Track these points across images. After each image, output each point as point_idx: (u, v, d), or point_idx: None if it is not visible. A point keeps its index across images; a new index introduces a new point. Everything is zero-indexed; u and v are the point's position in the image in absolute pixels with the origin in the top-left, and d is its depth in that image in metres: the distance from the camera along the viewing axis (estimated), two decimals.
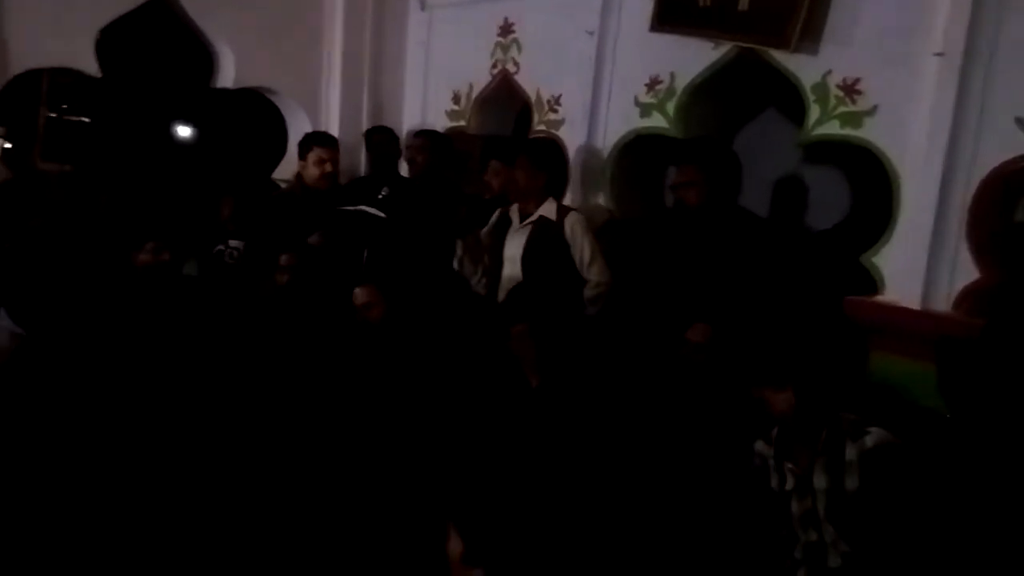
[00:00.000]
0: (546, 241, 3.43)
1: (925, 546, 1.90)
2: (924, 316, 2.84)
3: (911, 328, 2.84)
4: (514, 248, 3.52)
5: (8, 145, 3.44)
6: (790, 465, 2.14)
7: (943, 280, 2.87)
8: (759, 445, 2.25)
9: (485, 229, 3.71)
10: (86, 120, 4.07)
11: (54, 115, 3.72)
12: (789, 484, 2.15)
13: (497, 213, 3.66)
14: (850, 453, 2.00)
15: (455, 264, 3.78)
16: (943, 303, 2.87)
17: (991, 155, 2.74)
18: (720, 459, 2.55)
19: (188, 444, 2.82)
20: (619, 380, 2.81)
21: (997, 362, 2.48)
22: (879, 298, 3.00)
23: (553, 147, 3.97)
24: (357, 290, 3.16)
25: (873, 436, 1.98)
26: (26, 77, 3.91)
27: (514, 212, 3.58)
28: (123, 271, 3.18)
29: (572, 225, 3.41)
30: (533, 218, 3.48)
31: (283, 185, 4.45)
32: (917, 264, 2.89)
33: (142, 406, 2.93)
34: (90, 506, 2.54)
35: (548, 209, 3.48)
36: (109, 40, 4.09)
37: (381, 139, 4.47)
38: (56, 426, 2.76)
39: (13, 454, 2.65)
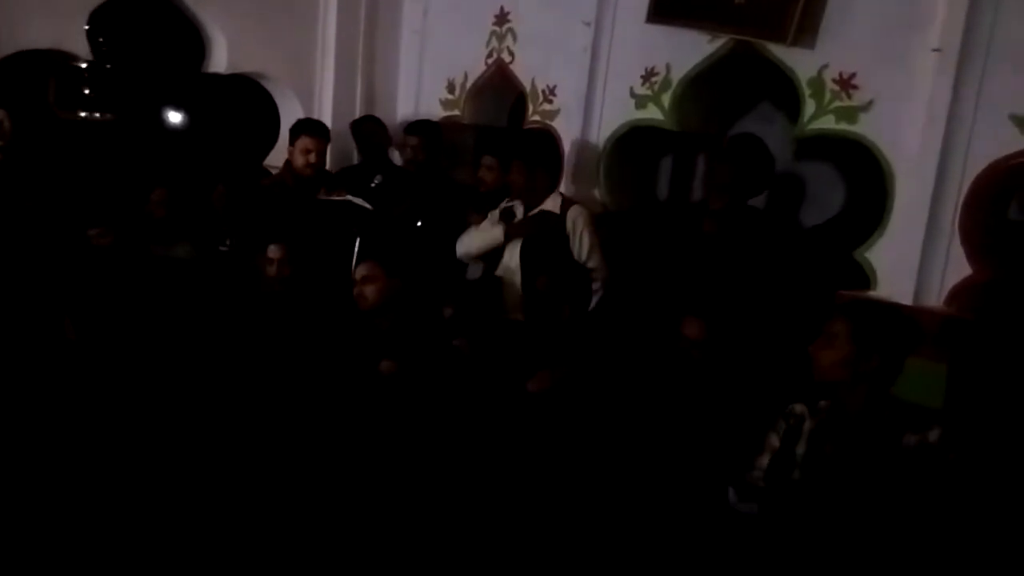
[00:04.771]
0: (546, 234, 3.42)
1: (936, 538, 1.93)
2: (916, 312, 2.85)
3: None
4: (515, 240, 3.50)
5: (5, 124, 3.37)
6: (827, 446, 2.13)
7: (935, 276, 2.88)
8: (798, 407, 2.22)
9: (486, 221, 3.68)
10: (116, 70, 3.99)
11: (84, 65, 3.66)
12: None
13: (502, 205, 3.64)
14: (910, 440, 2.00)
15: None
16: (935, 299, 2.88)
17: (985, 152, 2.76)
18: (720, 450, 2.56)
19: (182, 437, 2.81)
20: (617, 371, 2.82)
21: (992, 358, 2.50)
22: (871, 293, 3.01)
23: (546, 142, 3.95)
24: (359, 266, 3.13)
25: (937, 432, 1.99)
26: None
27: (518, 206, 3.56)
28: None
29: (574, 218, 3.41)
30: (535, 212, 3.47)
31: (274, 172, 4.42)
32: (910, 260, 2.91)
33: (130, 398, 2.92)
34: (84, 503, 2.52)
35: (552, 203, 3.47)
36: (100, 23, 4.05)
37: (369, 129, 4.44)
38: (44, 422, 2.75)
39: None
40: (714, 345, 2.82)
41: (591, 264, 3.41)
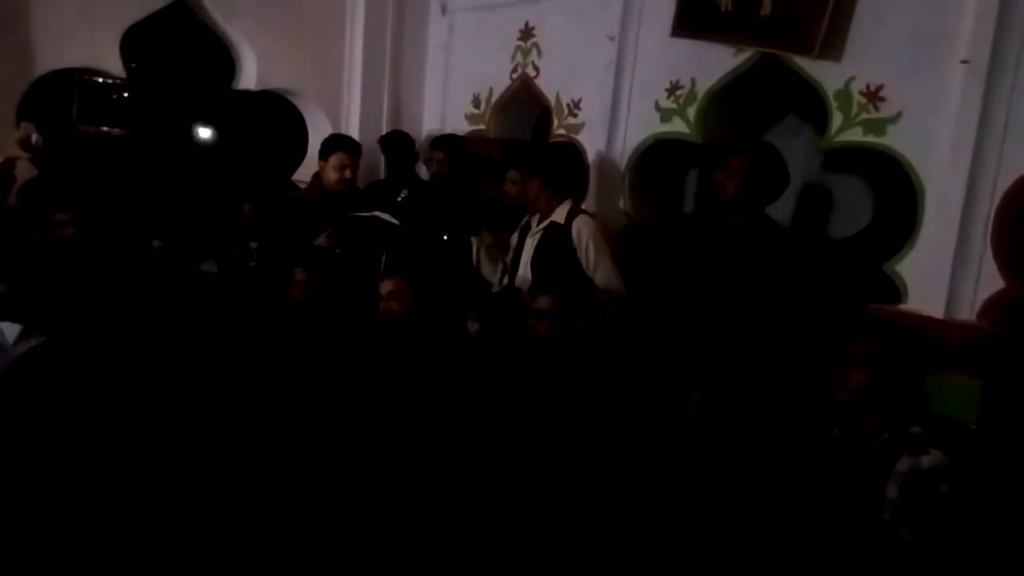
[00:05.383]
0: (554, 245, 3.42)
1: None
2: (948, 325, 2.81)
3: (934, 338, 2.81)
4: (528, 252, 3.52)
5: (35, 139, 3.46)
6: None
7: (967, 289, 2.83)
8: (836, 429, 2.20)
9: (513, 235, 3.70)
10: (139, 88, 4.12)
11: (109, 81, 3.75)
12: None
13: (525, 219, 3.66)
14: (903, 465, 1.94)
15: (473, 261, 3.76)
16: (967, 312, 2.83)
17: (1017, 163, 2.71)
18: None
19: (199, 444, 2.83)
20: (626, 391, 2.80)
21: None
22: (902, 307, 2.97)
23: (571, 156, 3.95)
24: (384, 281, 3.13)
25: (931, 458, 1.91)
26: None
27: (535, 218, 3.58)
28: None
29: (579, 228, 3.39)
30: (545, 223, 3.48)
31: (301, 186, 4.47)
32: (941, 273, 2.86)
33: (151, 405, 2.95)
34: (96, 506, 2.54)
35: (560, 213, 3.47)
36: (133, 41, 4.14)
37: (397, 144, 4.48)
38: (65, 428, 2.78)
39: (21, 456, 2.67)
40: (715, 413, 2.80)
41: (599, 275, 3.35)
